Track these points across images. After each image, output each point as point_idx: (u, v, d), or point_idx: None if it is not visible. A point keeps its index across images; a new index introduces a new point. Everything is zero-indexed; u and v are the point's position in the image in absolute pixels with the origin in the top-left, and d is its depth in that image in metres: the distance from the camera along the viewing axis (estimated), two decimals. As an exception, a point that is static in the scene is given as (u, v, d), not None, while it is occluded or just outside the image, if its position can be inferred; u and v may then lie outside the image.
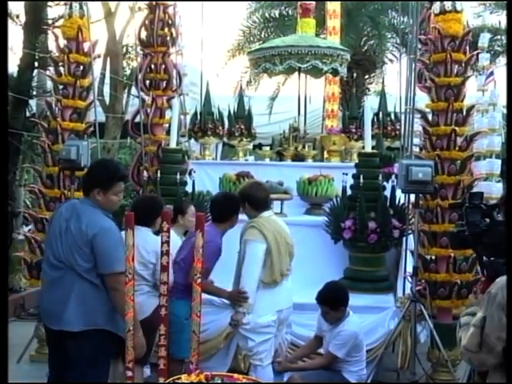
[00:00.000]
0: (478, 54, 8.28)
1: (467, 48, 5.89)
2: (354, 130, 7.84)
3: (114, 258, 3.45)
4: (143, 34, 7.29)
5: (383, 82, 10.00)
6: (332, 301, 4.66)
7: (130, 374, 3.21)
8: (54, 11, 9.35)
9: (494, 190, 8.53)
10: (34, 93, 8.84)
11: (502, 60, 14.06)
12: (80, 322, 3.44)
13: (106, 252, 3.45)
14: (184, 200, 5.85)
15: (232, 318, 4.54)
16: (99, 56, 7.67)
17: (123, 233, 3.47)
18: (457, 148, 5.73)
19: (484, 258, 2.97)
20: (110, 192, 3.59)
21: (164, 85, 7.28)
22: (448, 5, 5.84)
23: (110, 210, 3.66)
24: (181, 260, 4.61)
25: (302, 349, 5.07)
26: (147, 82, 7.27)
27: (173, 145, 6.54)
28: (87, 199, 3.63)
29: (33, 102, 9.20)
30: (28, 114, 8.81)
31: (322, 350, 4.91)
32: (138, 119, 7.35)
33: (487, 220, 3.00)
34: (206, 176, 7.33)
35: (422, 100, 6.48)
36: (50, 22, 8.78)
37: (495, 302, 2.36)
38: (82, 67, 6.47)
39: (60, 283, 3.51)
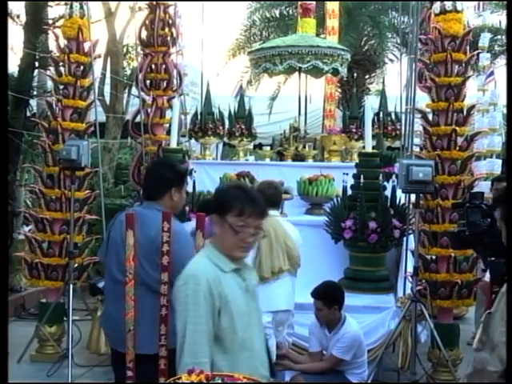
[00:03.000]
0: (478, 54, 8.29)
1: (467, 48, 5.89)
2: (354, 130, 7.84)
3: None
4: (143, 34, 7.29)
5: (383, 82, 10.02)
6: (326, 296, 4.65)
7: (130, 373, 3.21)
8: (54, 11, 9.34)
9: (495, 190, 8.52)
10: (35, 93, 8.84)
11: (501, 60, 14.06)
12: (153, 342, 3.21)
13: (178, 258, 3.14)
14: None
15: None
16: (99, 56, 7.67)
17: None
18: (457, 148, 5.73)
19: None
20: (183, 189, 3.54)
21: (164, 85, 7.28)
22: (448, 5, 5.84)
23: (178, 210, 3.57)
24: None
25: (303, 359, 4.98)
26: (148, 81, 7.27)
27: (173, 145, 6.54)
28: (152, 204, 3.43)
29: (33, 102, 9.19)
30: (28, 113, 8.80)
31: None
32: (138, 119, 7.35)
33: (488, 220, 3.00)
34: (207, 176, 7.33)
35: (423, 100, 6.48)
36: (50, 21, 8.77)
37: (504, 297, 2.35)
38: (82, 67, 6.47)
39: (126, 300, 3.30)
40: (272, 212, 4.66)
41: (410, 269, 5.52)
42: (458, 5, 5.84)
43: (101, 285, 3.89)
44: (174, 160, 4.27)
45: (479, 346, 2.37)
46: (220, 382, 2.59)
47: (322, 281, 4.88)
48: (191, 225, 5.03)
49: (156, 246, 3.28)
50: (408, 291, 5.45)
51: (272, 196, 4.71)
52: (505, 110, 10.04)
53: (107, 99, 12.98)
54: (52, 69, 6.77)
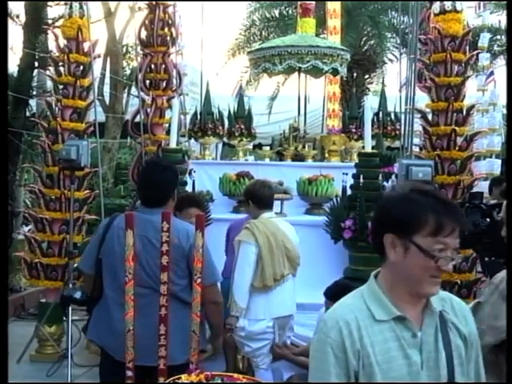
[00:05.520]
0: (477, 54, 8.29)
1: (467, 48, 5.90)
2: (353, 130, 7.82)
3: (214, 267, 3.36)
4: (143, 34, 7.29)
5: (383, 82, 10.01)
6: (339, 297, 4.61)
7: (130, 373, 3.21)
8: (54, 11, 9.36)
9: (494, 190, 8.53)
10: (34, 93, 8.85)
11: (501, 61, 14.07)
12: (184, 352, 3.21)
13: (207, 261, 3.29)
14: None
15: (225, 322, 4.52)
16: (99, 56, 7.67)
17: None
18: (457, 148, 5.73)
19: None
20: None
21: (164, 85, 7.28)
22: (448, 5, 5.84)
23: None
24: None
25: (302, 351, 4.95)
26: (147, 81, 7.27)
27: (173, 145, 6.53)
28: (157, 210, 3.36)
29: (33, 102, 9.21)
30: (28, 113, 8.82)
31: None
32: (138, 119, 7.35)
33: (487, 220, 3.00)
34: (206, 176, 7.32)
35: (422, 100, 6.48)
36: (50, 21, 8.78)
37: (497, 290, 2.32)
38: (81, 67, 6.48)
39: (149, 311, 3.23)
40: (267, 214, 4.63)
41: (410, 269, 5.51)
42: (458, 5, 5.85)
43: (77, 295, 3.82)
44: (168, 161, 4.37)
45: None
46: (220, 381, 2.60)
47: (322, 281, 4.83)
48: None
49: (182, 252, 3.32)
50: (407, 291, 5.44)
51: (269, 197, 4.69)
52: (504, 110, 10.04)
53: (107, 99, 13.00)
54: (51, 69, 6.78)
